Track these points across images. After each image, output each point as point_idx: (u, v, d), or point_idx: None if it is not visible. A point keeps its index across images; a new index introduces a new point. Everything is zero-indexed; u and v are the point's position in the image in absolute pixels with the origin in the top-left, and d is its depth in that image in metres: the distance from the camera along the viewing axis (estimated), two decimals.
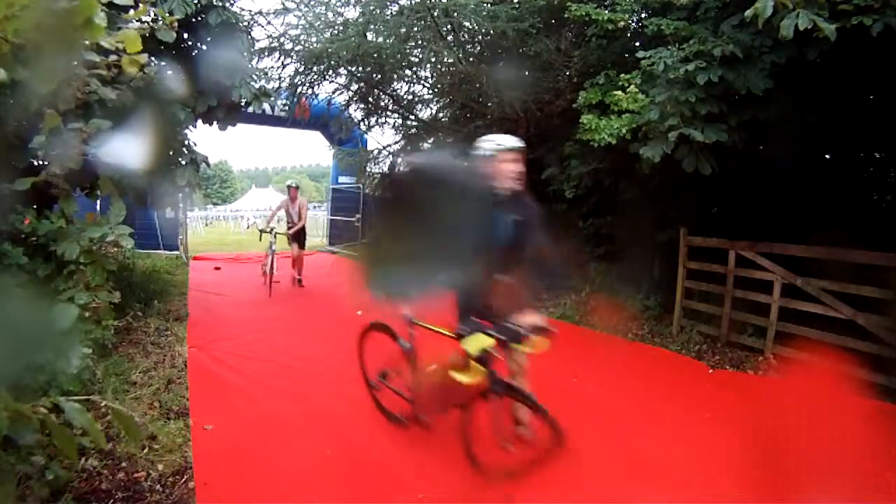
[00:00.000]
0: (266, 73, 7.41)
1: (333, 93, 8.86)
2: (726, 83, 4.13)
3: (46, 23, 1.07)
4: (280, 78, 7.82)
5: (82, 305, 2.32)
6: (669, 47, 4.37)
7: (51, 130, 2.00)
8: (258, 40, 7.24)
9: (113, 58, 1.88)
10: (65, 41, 1.15)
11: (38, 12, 1.05)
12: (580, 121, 5.18)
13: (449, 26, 6.71)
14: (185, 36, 5.39)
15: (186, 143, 5.07)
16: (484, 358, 2.41)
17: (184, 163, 4.93)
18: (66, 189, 2.37)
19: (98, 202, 6.22)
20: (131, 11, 1.83)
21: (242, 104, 5.71)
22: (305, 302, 7.23)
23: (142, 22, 1.87)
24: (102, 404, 1.08)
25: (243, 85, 5.37)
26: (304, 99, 8.73)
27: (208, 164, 5.32)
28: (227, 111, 5.66)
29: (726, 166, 4.53)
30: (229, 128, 5.92)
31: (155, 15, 2.01)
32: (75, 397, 1.04)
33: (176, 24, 2.43)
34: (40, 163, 2.69)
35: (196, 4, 4.97)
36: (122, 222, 2.54)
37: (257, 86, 5.75)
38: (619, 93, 4.76)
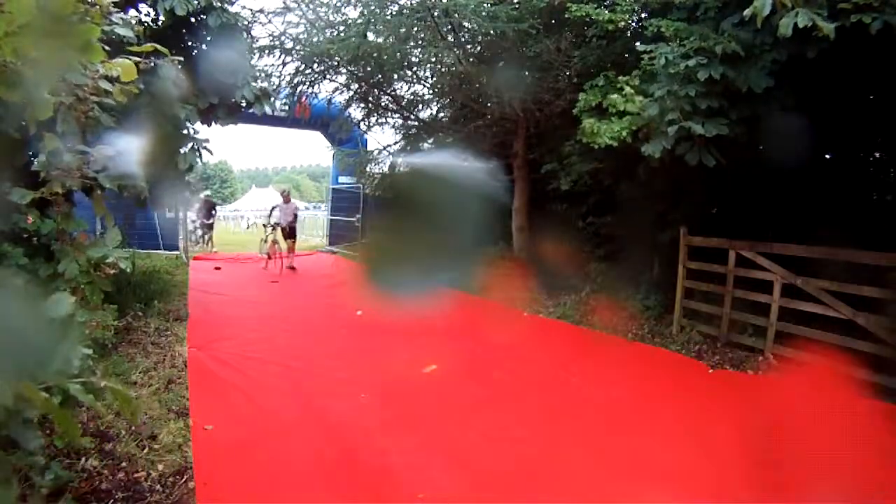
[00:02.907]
0: (267, 73, 7.40)
1: (333, 92, 8.86)
2: (727, 80, 4.12)
3: (45, 43, 1.06)
4: (280, 76, 7.83)
5: (82, 323, 2.36)
6: (670, 43, 4.36)
7: (50, 152, 2.02)
8: (258, 38, 7.24)
9: (107, 86, 1.90)
10: (63, 63, 1.14)
11: (37, 31, 1.04)
12: (581, 125, 5.18)
13: (449, 27, 6.71)
14: (186, 36, 5.38)
15: (186, 131, 5.04)
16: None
17: (184, 151, 4.91)
18: (65, 209, 2.40)
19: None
20: (130, 12, 1.83)
21: (244, 105, 5.69)
22: (305, 301, 7.23)
23: (143, 56, 1.88)
24: (102, 384, 1.10)
25: (245, 86, 5.36)
26: (304, 98, 8.73)
27: (210, 151, 5.28)
28: (227, 110, 5.66)
29: (726, 166, 4.53)
30: (230, 128, 5.92)
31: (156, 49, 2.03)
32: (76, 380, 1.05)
33: (178, 63, 2.45)
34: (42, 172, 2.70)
35: (197, 3, 4.97)
36: (123, 223, 2.57)
37: (259, 87, 5.73)
38: (616, 96, 4.76)
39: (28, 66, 1.16)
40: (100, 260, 2.34)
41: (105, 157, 2.26)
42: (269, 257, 9.46)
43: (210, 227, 13.44)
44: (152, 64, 2.16)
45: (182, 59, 2.79)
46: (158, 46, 2.01)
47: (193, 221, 13.32)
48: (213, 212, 13.76)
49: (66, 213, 2.44)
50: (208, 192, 14.98)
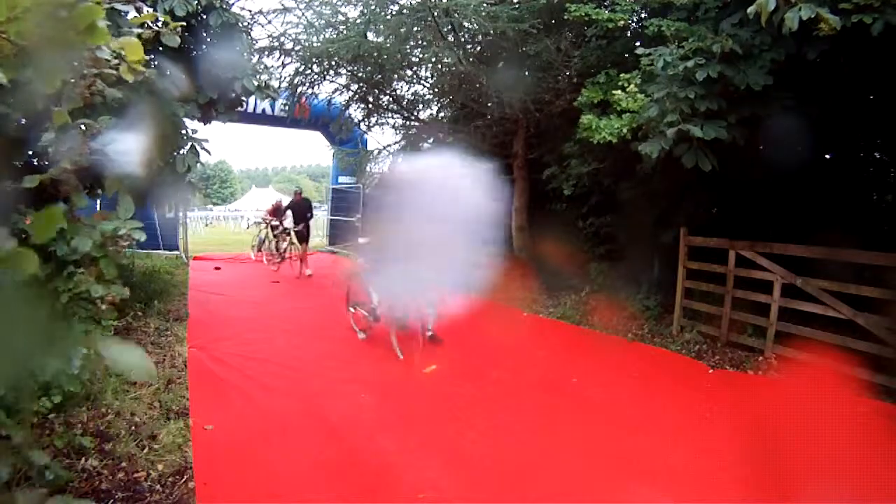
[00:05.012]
0: (267, 69, 7.39)
1: (333, 93, 8.86)
2: (726, 80, 4.12)
3: (49, 26, 1.06)
4: (280, 77, 7.83)
5: (99, 298, 2.35)
6: (669, 45, 4.37)
7: (60, 128, 2.01)
8: (258, 40, 7.25)
9: (116, 62, 1.89)
10: (67, 45, 1.14)
11: (40, 15, 1.05)
12: (580, 120, 5.18)
13: (449, 26, 6.71)
14: (186, 36, 5.38)
15: (185, 130, 5.03)
16: None
17: (183, 151, 4.90)
18: (75, 185, 2.38)
19: (98, 201, 6.20)
20: (132, 13, 1.83)
21: (243, 99, 5.66)
22: (305, 302, 7.24)
23: (145, 27, 1.87)
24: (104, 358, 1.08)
25: (245, 77, 5.35)
26: (304, 99, 8.73)
27: (208, 151, 5.27)
28: (227, 105, 5.65)
29: (726, 166, 4.53)
30: (230, 127, 5.92)
31: (157, 19, 2.02)
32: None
33: (180, 28, 2.43)
34: (44, 163, 2.69)
35: (197, 5, 4.97)
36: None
37: (259, 79, 5.73)
38: (619, 92, 4.77)
39: (33, 47, 1.16)
40: (112, 233, 2.33)
41: (111, 131, 2.25)
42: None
43: (303, 236, 9.06)
44: (153, 64, 2.16)
45: (182, 59, 2.78)
46: (160, 15, 2.01)
47: (275, 226, 9.58)
48: (309, 214, 9.19)
49: (75, 187, 2.43)
50: (299, 188, 10.04)
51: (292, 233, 9.23)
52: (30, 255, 0.87)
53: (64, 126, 1.95)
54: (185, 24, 5.06)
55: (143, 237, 2.42)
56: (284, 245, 9.50)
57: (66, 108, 1.81)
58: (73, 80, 1.81)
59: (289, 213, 9.27)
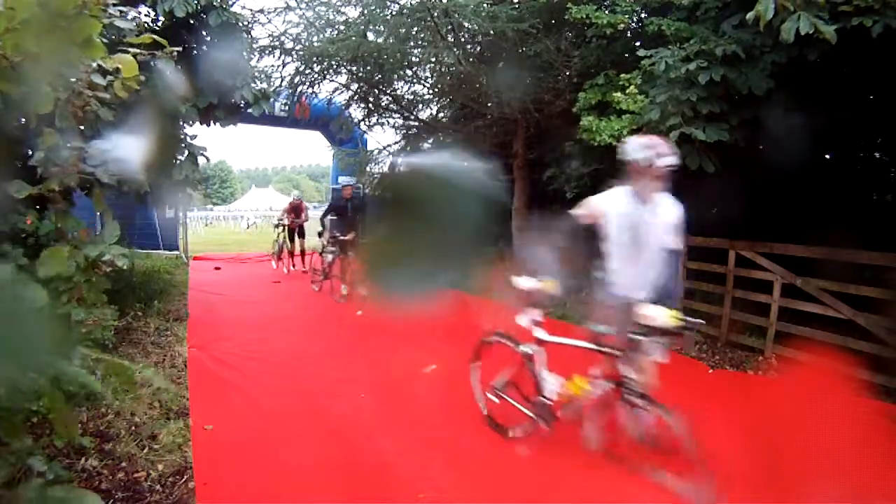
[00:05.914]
0: (267, 74, 7.40)
1: (333, 92, 8.87)
2: (728, 83, 4.13)
3: (46, 39, 1.06)
4: (280, 77, 7.83)
5: (79, 322, 2.34)
6: (670, 47, 4.38)
7: (49, 148, 2.01)
8: (258, 39, 7.25)
9: (110, 78, 1.90)
10: (64, 58, 1.14)
11: (37, 27, 1.04)
12: (580, 123, 5.19)
13: (449, 26, 6.72)
14: (185, 36, 5.39)
15: (184, 136, 5.05)
16: None
17: (182, 158, 4.92)
18: (62, 207, 2.39)
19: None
20: (130, 13, 1.84)
21: (242, 105, 5.69)
22: (305, 301, 7.23)
23: (142, 48, 1.88)
24: (94, 357, 1.09)
25: (245, 86, 5.37)
26: (304, 98, 8.74)
27: (207, 158, 5.28)
28: (227, 111, 5.66)
29: (727, 166, 4.53)
30: (229, 128, 5.93)
31: (154, 38, 2.01)
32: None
33: (176, 54, 2.45)
34: (39, 168, 2.70)
35: (196, 4, 4.98)
36: (122, 222, 2.56)
37: (258, 87, 5.75)
38: (619, 94, 4.77)
39: (29, 62, 1.15)
40: (97, 258, 2.32)
41: (103, 151, 2.25)
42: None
43: (342, 243, 6.77)
44: (152, 63, 2.16)
45: (181, 48, 2.77)
46: (157, 38, 2.01)
47: (326, 235, 7.25)
48: (359, 216, 6.90)
49: (63, 210, 2.43)
50: (350, 182, 7.61)
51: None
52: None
53: (53, 146, 1.96)
54: (184, 24, 5.13)
55: (125, 263, 2.41)
56: (330, 258, 7.18)
57: (60, 125, 1.81)
58: (66, 101, 1.82)
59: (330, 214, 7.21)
